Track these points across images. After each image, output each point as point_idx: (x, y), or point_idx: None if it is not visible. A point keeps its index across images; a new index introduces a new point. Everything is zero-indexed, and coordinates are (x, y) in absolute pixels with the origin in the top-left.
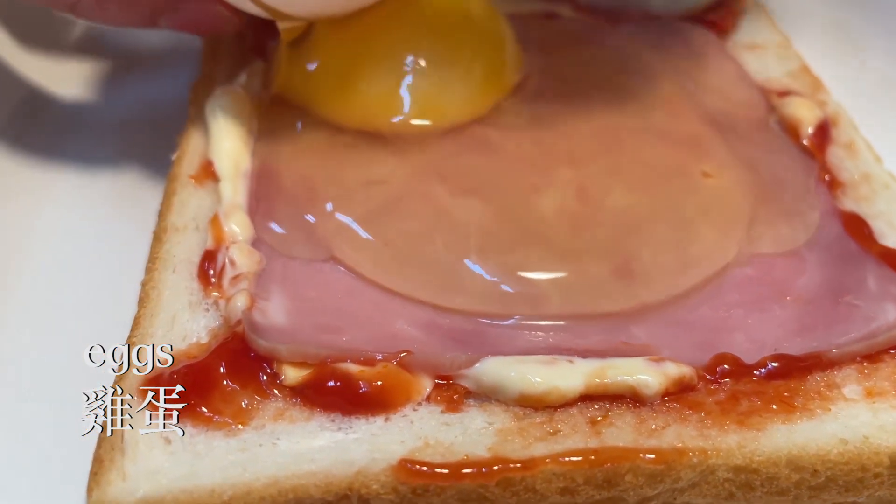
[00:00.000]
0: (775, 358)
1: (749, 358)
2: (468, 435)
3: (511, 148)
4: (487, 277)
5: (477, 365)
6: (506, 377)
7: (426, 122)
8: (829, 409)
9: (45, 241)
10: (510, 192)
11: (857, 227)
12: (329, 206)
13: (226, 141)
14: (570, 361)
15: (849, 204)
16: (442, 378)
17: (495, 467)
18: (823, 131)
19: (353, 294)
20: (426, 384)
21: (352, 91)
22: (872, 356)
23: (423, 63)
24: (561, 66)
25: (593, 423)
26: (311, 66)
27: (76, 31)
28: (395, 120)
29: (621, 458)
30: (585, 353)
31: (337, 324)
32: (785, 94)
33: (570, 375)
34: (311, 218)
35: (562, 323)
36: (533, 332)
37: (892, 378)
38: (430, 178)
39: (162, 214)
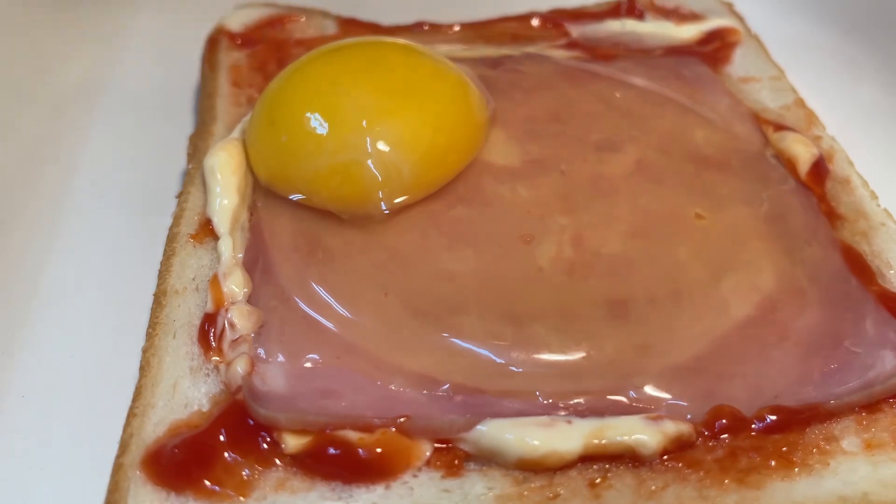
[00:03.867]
0: (773, 411)
1: (747, 408)
2: (468, 501)
3: (505, 194)
4: (482, 338)
5: (476, 428)
6: (504, 441)
7: (405, 198)
8: (828, 464)
9: (48, 303)
10: (506, 243)
11: (858, 263)
12: (327, 263)
13: (224, 198)
14: (569, 422)
15: (847, 239)
16: (441, 442)
17: None
18: (820, 167)
19: (351, 352)
20: (426, 448)
21: (322, 190)
22: (871, 406)
23: (383, 146)
24: (552, 105)
25: (592, 485)
26: (281, 140)
27: (73, 76)
28: (376, 206)
29: None
30: (585, 412)
31: (335, 387)
32: (780, 128)
33: (568, 437)
34: (308, 274)
35: (562, 379)
36: (532, 389)
37: (890, 429)
38: (427, 232)
39: (162, 276)
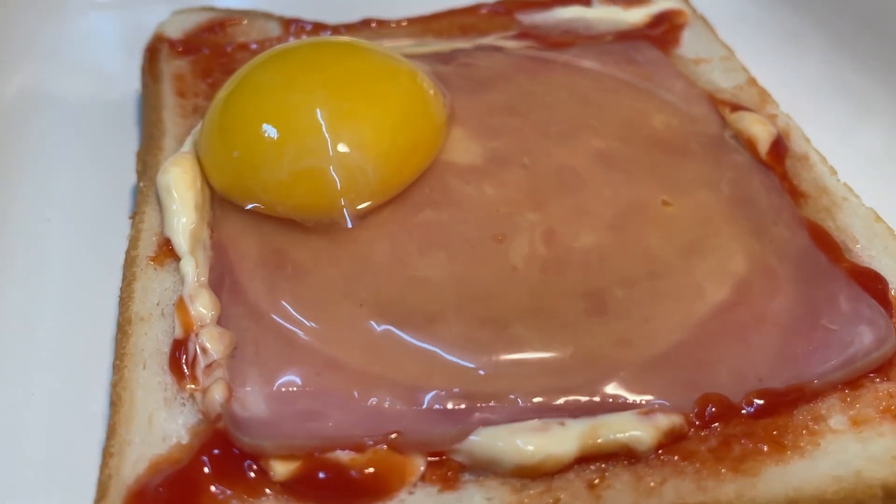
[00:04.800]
0: (760, 394)
1: (734, 394)
2: None
3: (472, 194)
4: (463, 343)
5: (469, 438)
6: (499, 449)
7: (369, 203)
8: (819, 445)
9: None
10: (478, 244)
11: (824, 240)
12: (296, 278)
13: (182, 216)
14: (562, 424)
15: (811, 216)
16: (434, 455)
17: None
18: (779, 146)
19: (331, 368)
20: (419, 463)
21: (284, 199)
22: (853, 382)
23: (342, 148)
24: (509, 98)
25: (591, 486)
26: (234, 154)
27: (6, 92)
28: (340, 213)
29: None
30: (576, 412)
31: (319, 408)
32: (736, 108)
33: (563, 440)
34: (278, 290)
35: (548, 377)
36: (519, 391)
37: (874, 404)
38: (396, 238)
39: (124, 303)
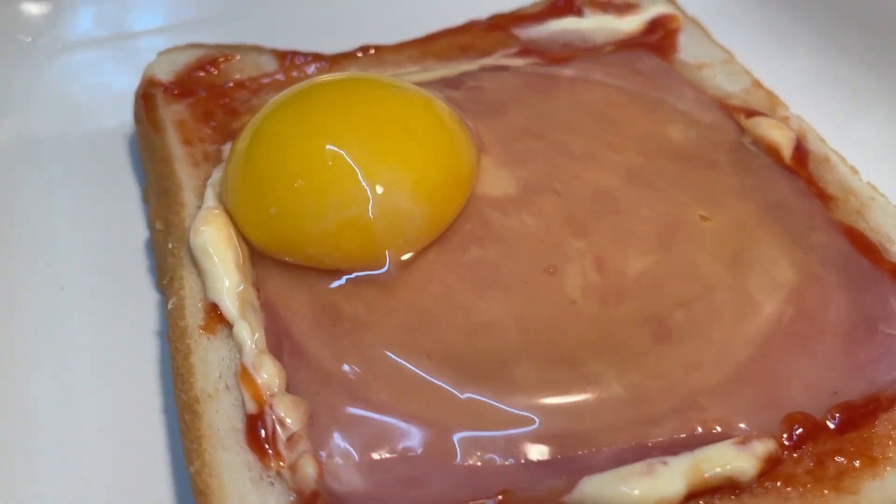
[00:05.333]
0: (840, 409)
1: (814, 411)
2: None
3: (514, 226)
4: (543, 387)
5: (576, 489)
6: (609, 497)
7: (417, 246)
8: None
9: (48, 443)
10: (531, 279)
11: (861, 242)
12: (356, 333)
13: (226, 278)
14: (664, 463)
15: (843, 218)
16: None
17: None
18: (801, 150)
19: (417, 428)
20: None
21: (331, 252)
22: None
23: (386, 192)
24: (525, 121)
25: None
26: (271, 210)
27: None
28: (391, 258)
29: None
30: (670, 447)
31: (418, 473)
32: (751, 114)
33: (670, 480)
34: (341, 349)
35: (631, 411)
36: (610, 431)
37: None
38: (448, 280)
39: (184, 380)
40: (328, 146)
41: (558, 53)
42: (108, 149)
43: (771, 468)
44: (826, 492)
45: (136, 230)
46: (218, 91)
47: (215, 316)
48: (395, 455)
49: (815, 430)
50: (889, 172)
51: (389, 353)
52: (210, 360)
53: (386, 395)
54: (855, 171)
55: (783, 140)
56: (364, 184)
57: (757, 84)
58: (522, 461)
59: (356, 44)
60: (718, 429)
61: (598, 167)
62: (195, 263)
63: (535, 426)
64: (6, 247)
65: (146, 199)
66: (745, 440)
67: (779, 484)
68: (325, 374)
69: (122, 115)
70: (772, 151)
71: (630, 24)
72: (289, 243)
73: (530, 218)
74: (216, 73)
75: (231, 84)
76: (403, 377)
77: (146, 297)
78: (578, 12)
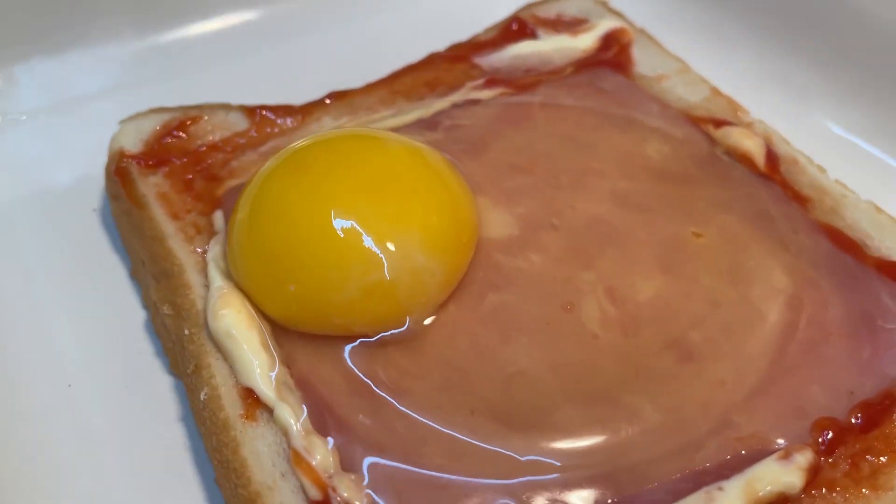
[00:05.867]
0: (859, 408)
1: (837, 413)
2: None
3: (524, 267)
4: (588, 427)
5: None
6: None
7: (434, 316)
8: None
9: None
10: (552, 319)
11: (843, 240)
12: (396, 400)
13: (255, 360)
14: (721, 489)
15: (821, 218)
16: None
17: None
18: (772, 156)
19: (482, 493)
20: None
21: (357, 319)
22: None
23: (405, 251)
24: (507, 156)
25: None
26: (291, 288)
27: None
28: (417, 317)
29: None
30: (719, 470)
31: None
32: (719, 124)
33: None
34: (385, 419)
35: (674, 438)
36: (660, 463)
37: None
38: (473, 331)
39: (239, 474)
40: (338, 214)
41: (524, 80)
42: (78, 227)
43: (814, 477)
44: (865, 491)
45: (131, 311)
46: (192, 157)
47: (253, 401)
48: None
49: (842, 432)
50: (850, 166)
51: (433, 417)
52: (260, 451)
53: (440, 459)
54: (822, 170)
55: (755, 148)
56: (382, 246)
57: (716, 92)
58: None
59: (318, 90)
60: (757, 445)
61: (587, 195)
62: (219, 348)
63: (587, 469)
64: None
65: (135, 276)
66: (786, 454)
67: (823, 491)
68: (376, 447)
69: (87, 189)
70: (746, 160)
71: (585, 41)
72: (314, 316)
73: (536, 256)
74: (185, 137)
75: (204, 147)
76: (453, 441)
77: (160, 383)
78: (533, 35)
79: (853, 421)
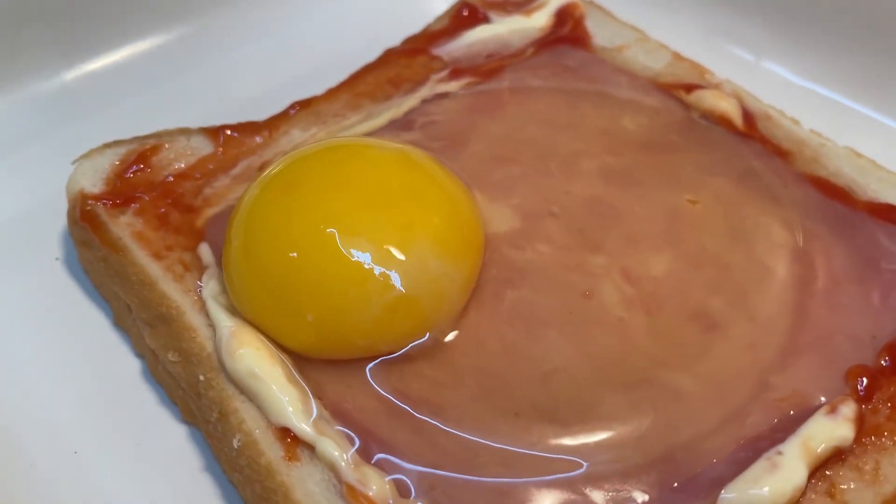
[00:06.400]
0: (885, 351)
1: (865, 359)
2: None
3: (534, 259)
4: (636, 412)
5: (721, 498)
6: (756, 500)
7: (456, 330)
8: None
9: None
10: (574, 308)
11: (830, 188)
12: (438, 416)
13: (286, 397)
14: (780, 454)
15: (804, 169)
16: None
17: None
18: (748, 113)
19: (544, 490)
20: None
21: (382, 338)
22: None
23: (422, 262)
24: (490, 148)
25: (831, 495)
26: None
27: None
28: (441, 327)
29: None
30: (773, 434)
31: None
32: (690, 88)
33: (794, 468)
34: (431, 437)
35: (722, 408)
36: (712, 436)
37: None
38: (499, 332)
39: None
40: (346, 233)
41: (487, 66)
42: (45, 280)
43: (861, 426)
44: None
45: (124, 362)
46: (161, 189)
47: (292, 441)
48: None
49: (875, 377)
50: (817, 115)
51: (478, 427)
52: (312, 491)
53: (497, 468)
54: (796, 122)
55: (731, 109)
56: (396, 259)
57: (677, 56)
58: (657, 494)
59: (275, 103)
60: (800, 404)
61: (578, 178)
62: (242, 390)
63: (643, 455)
64: None
65: (119, 324)
66: (832, 408)
67: (872, 438)
68: (429, 467)
69: (45, 238)
70: (723, 122)
71: (539, 20)
72: (339, 342)
73: (544, 246)
74: (149, 169)
75: (171, 177)
76: (504, 450)
77: (174, 434)
78: (485, 19)
79: (883, 364)
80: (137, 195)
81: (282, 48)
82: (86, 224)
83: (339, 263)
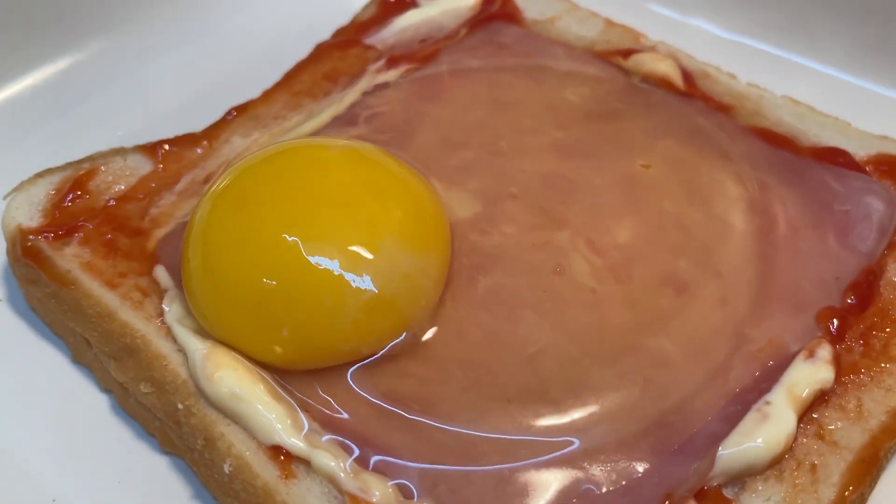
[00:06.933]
0: (849, 290)
1: (832, 301)
2: None
3: (502, 242)
4: (626, 382)
5: (716, 463)
6: (747, 458)
7: (435, 324)
8: None
9: None
10: (548, 286)
11: (774, 138)
12: (430, 412)
13: (273, 414)
14: (768, 403)
15: (748, 122)
16: (699, 495)
17: None
18: (687, 73)
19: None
20: None
21: (366, 339)
22: (892, 244)
23: (394, 258)
24: (438, 134)
25: (821, 436)
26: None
27: None
28: (421, 321)
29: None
30: (758, 386)
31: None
32: (627, 54)
33: (783, 417)
34: (427, 435)
35: (706, 366)
36: (700, 394)
37: None
38: (478, 320)
39: None
40: (312, 239)
41: (423, 51)
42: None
43: (839, 366)
44: (885, 365)
45: (89, 399)
46: (104, 215)
47: (286, 458)
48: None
49: (844, 317)
50: (747, 66)
51: (471, 419)
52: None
53: (497, 456)
54: (733, 76)
55: (670, 70)
56: (367, 259)
57: (609, 23)
58: (656, 460)
59: (210, 110)
60: (778, 352)
61: (531, 155)
62: (226, 413)
63: (638, 422)
64: None
65: (78, 360)
66: (810, 353)
67: (851, 377)
68: (428, 462)
69: None
70: (664, 84)
71: None
72: (318, 351)
73: (509, 228)
74: (87, 195)
75: (113, 201)
76: (503, 432)
77: (156, 466)
78: (414, 3)
79: (850, 302)
80: (80, 224)
81: (205, 54)
82: (30, 261)
83: (308, 273)
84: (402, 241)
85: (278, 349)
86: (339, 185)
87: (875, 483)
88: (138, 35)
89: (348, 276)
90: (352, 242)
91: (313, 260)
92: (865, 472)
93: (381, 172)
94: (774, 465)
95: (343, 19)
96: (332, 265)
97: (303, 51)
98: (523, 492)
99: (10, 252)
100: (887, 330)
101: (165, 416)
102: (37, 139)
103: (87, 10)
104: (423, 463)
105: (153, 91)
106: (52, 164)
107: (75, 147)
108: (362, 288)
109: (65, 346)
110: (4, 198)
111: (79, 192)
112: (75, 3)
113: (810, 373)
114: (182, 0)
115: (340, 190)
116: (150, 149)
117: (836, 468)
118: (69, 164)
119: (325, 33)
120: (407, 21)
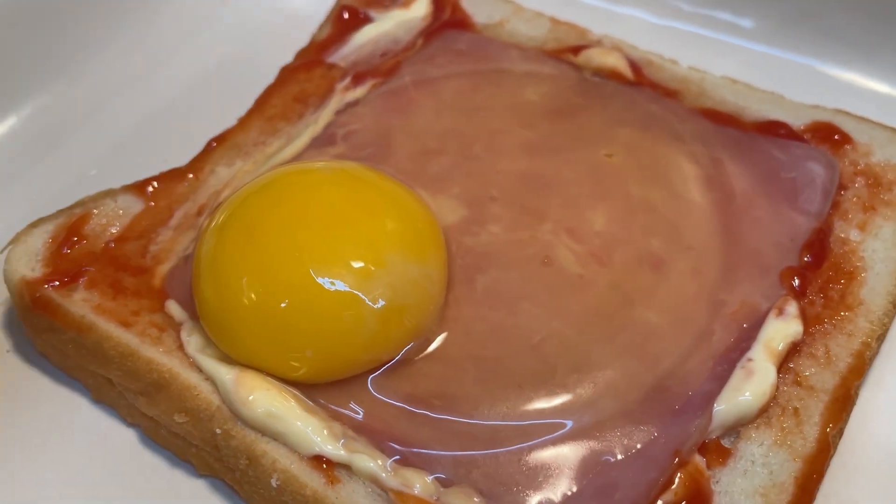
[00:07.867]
0: (804, 249)
1: (791, 260)
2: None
3: (490, 240)
4: (625, 353)
5: (713, 418)
6: (739, 411)
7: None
8: (863, 258)
9: None
10: (542, 277)
11: (719, 117)
12: (452, 408)
13: (309, 428)
14: (751, 360)
15: (694, 104)
16: (702, 448)
17: None
18: (634, 63)
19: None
20: (700, 461)
21: (385, 348)
22: (836, 205)
23: (402, 268)
24: (414, 146)
25: (798, 383)
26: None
27: None
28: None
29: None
30: (738, 345)
31: (603, 483)
32: (576, 50)
33: (765, 371)
34: (453, 430)
35: (692, 332)
36: (690, 358)
37: (860, 206)
38: (482, 316)
39: None
40: (325, 261)
41: (385, 65)
42: (3, 377)
43: (805, 319)
44: (844, 313)
45: (117, 436)
46: (105, 257)
47: (328, 465)
48: (580, 482)
49: (803, 274)
50: (683, 50)
51: (491, 410)
52: None
53: (518, 438)
54: (675, 62)
55: (618, 62)
56: (378, 273)
57: (555, 21)
58: (661, 422)
59: (188, 143)
60: (750, 313)
61: (504, 156)
62: (264, 432)
63: (639, 389)
64: None
65: (99, 400)
66: (780, 310)
67: (817, 327)
68: (460, 449)
69: None
70: (614, 76)
71: (419, 9)
72: (340, 365)
73: (495, 227)
74: (84, 240)
75: (112, 243)
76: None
77: (197, 491)
78: (368, 18)
79: (806, 260)
80: (83, 269)
81: (173, 88)
82: (42, 312)
83: (326, 295)
84: (405, 251)
85: (304, 367)
86: (336, 206)
87: (849, 417)
88: (99, 75)
89: (363, 292)
90: (360, 259)
91: (326, 281)
92: (841, 409)
93: (372, 189)
94: (762, 413)
95: (303, 41)
96: (347, 284)
97: (269, 77)
98: (548, 467)
99: (18, 304)
100: (842, 281)
101: (203, 442)
102: (16, 190)
103: (41, 58)
104: (454, 451)
105: (120, 130)
106: (35, 214)
107: (57, 194)
108: (376, 301)
109: (81, 387)
110: (1, 251)
111: (76, 238)
112: (25, 53)
113: (782, 328)
114: (135, 36)
115: (339, 211)
116: (139, 187)
117: (815, 409)
118: (60, 212)
119: (287, 57)
120: (364, 37)
